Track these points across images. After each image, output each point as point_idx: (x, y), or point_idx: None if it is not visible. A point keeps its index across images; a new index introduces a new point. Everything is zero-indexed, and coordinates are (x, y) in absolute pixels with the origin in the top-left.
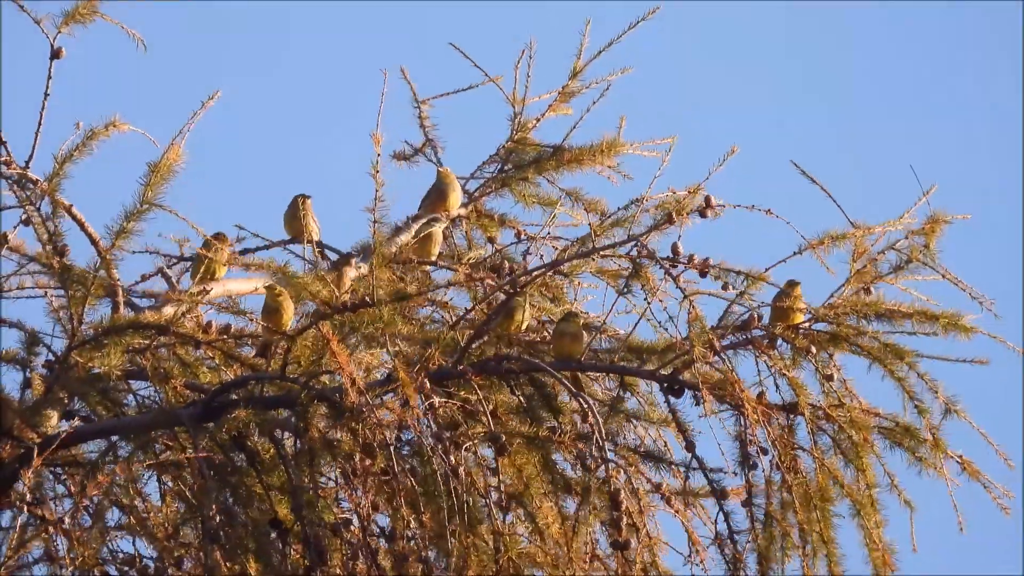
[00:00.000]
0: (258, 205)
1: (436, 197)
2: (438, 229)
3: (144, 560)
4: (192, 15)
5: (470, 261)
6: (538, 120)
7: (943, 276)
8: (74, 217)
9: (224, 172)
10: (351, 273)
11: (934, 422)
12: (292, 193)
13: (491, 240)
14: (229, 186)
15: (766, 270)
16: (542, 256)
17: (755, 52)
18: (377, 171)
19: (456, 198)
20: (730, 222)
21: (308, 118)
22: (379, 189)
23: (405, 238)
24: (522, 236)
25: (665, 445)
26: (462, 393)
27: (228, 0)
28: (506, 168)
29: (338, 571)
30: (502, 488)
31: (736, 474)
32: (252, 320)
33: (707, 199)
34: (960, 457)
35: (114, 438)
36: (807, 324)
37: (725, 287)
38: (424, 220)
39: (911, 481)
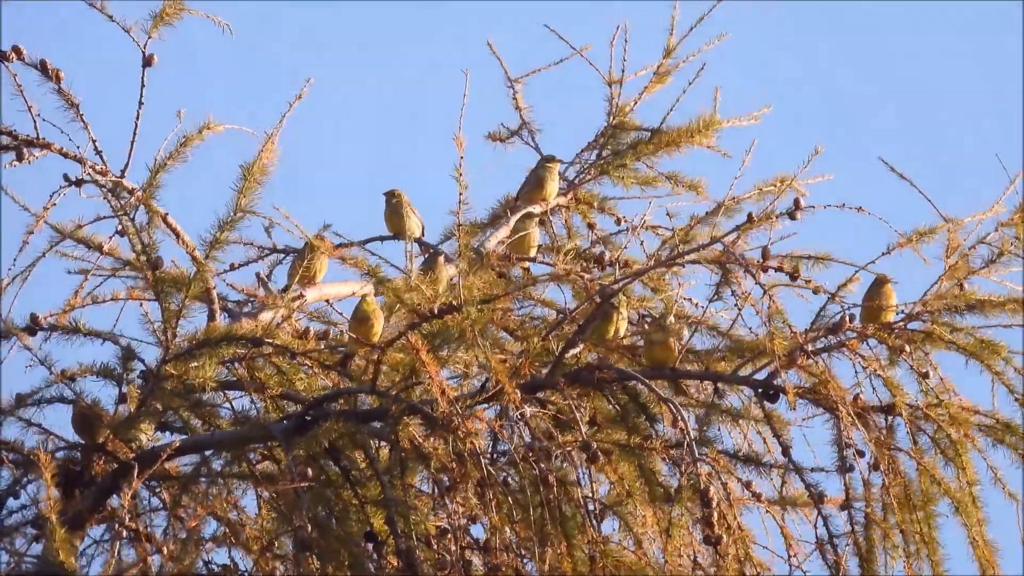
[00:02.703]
0: (354, 200)
1: (534, 186)
2: (535, 229)
3: (241, 572)
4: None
5: (567, 254)
6: (635, 102)
7: None
8: (169, 226)
9: (318, 167)
10: (450, 272)
11: None
12: (387, 186)
13: (591, 227)
14: (324, 181)
15: (858, 270)
16: (642, 243)
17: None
18: (460, 174)
19: (553, 187)
20: (816, 220)
21: (402, 105)
22: (463, 192)
23: (503, 232)
24: (622, 222)
25: (765, 446)
26: (556, 402)
27: None
28: (604, 154)
29: None
30: (594, 496)
31: (835, 471)
32: (341, 331)
33: (796, 201)
34: None
35: (208, 452)
36: (900, 323)
37: (816, 291)
38: (521, 213)
39: (1014, 479)
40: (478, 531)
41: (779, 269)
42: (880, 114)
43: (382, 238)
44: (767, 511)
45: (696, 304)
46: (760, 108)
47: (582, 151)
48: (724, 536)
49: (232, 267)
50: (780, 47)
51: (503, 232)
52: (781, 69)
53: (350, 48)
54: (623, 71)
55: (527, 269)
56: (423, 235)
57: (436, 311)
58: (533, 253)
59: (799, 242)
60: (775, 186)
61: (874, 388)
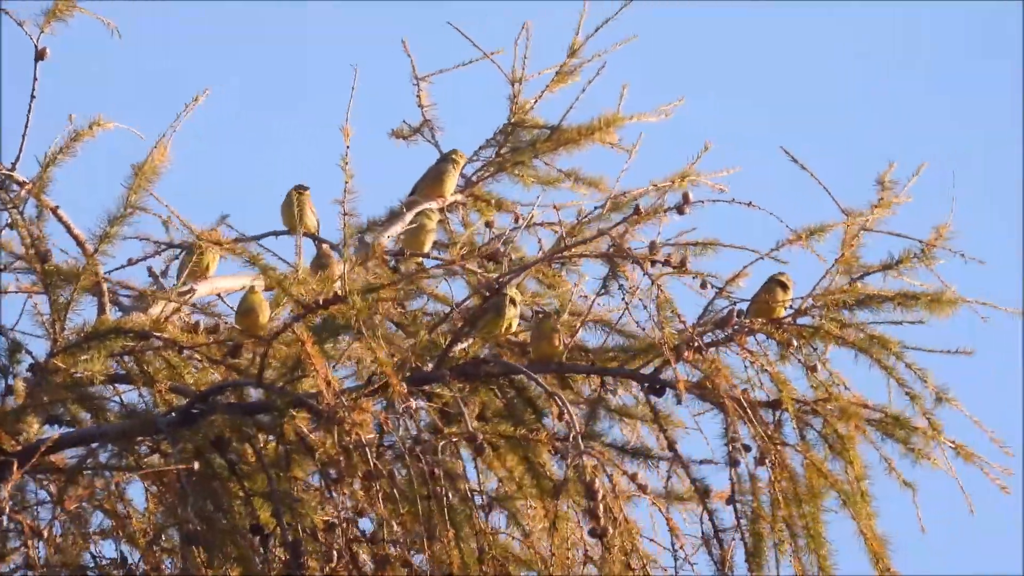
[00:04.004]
0: (256, 198)
1: (432, 181)
2: (431, 222)
3: (129, 564)
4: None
5: (461, 249)
6: (536, 100)
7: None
8: (60, 219)
9: (217, 165)
10: (342, 267)
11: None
12: (289, 183)
13: (488, 224)
14: (224, 180)
15: (746, 266)
16: (539, 240)
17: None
18: (347, 163)
19: (452, 184)
20: (722, 213)
21: (301, 101)
22: (348, 182)
23: (398, 228)
24: (520, 220)
25: (659, 439)
26: (443, 395)
27: None
28: (503, 152)
29: (319, 575)
30: (481, 489)
31: (722, 464)
32: (225, 323)
33: (684, 195)
34: (953, 442)
35: (94, 444)
36: (789, 318)
37: (704, 285)
38: (418, 209)
39: (908, 472)
40: (367, 525)
41: (666, 263)
42: (799, 110)
43: (276, 233)
44: (653, 503)
45: (587, 298)
46: (670, 103)
47: (481, 148)
48: (610, 528)
49: (130, 262)
50: (692, 48)
51: (397, 228)
52: (692, 71)
53: (270, 43)
54: (524, 69)
55: (420, 264)
56: (318, 231)
57: (321, 302)
58: (427, 249)
59: (696, 238)
60: (672, 182)
61: (761, 383)
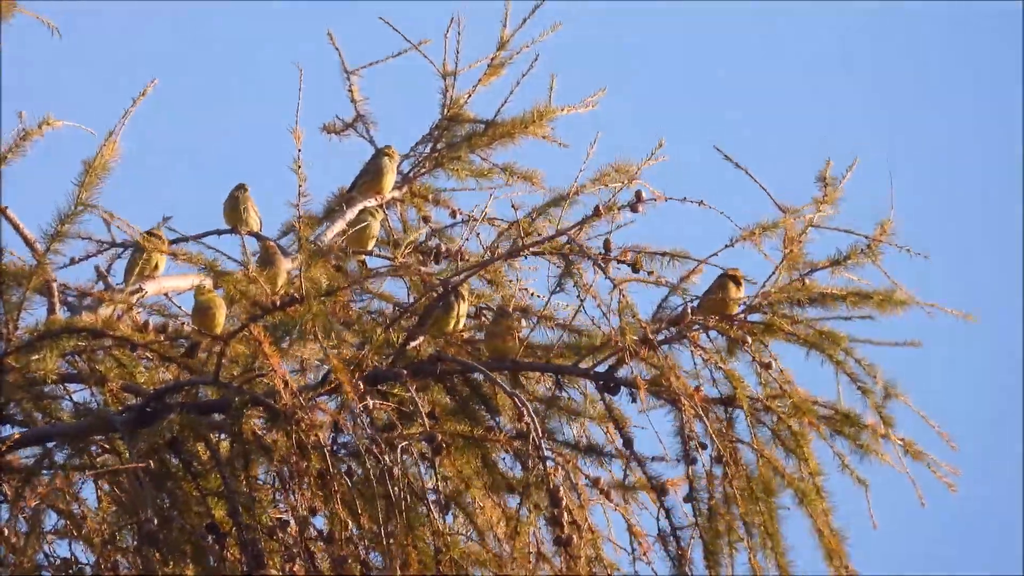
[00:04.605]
0: (198, 196)
1: (372, 177)
2: (374, 220)
3: (80, 564)
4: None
5: (406, 249)
6: (469, 95)
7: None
8: (9, 219)
9: (160, 163)
10: (287, 266)
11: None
12: (229, 181)
13: (425, 220)
14: (168, 178)
15: (700, 262)
16: (479, 235)
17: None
18: (300, 166)
19: (390, 180)
20: (671, 210)
21: (237, 97)
22: (302, 184)
23: (340, 226)
24: (457, 215)
25: (608, 439)
26: (398, 394)
27: None
28: (439, 147)
29: (275, 574)
30: (439, 488)
31: (677, 461)
32: (183, 323)
33: (637, 194)
34: (902, 439)
35: (49, 444)
36: (741, 314)
37: (658, 283)
38: (358, 207)
39: (861, 468)
40: (322, 523)
41: (621, 261)
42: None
43: (219, 232)
44: (615, 509)
45: (536, 296)
46: (595, 93)
47: (417, 144)
48: (574, 537)
49: (73, 261)
50: (625, 38)
51: (339, 225)
52: (624, 62)
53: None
54: (456, 63)
55: (363, 262)
56: (260, 229)
57: (278, 303)
58: (370, 247)
59: (651, 235)
60: (615, 174)
61: (715, 380)
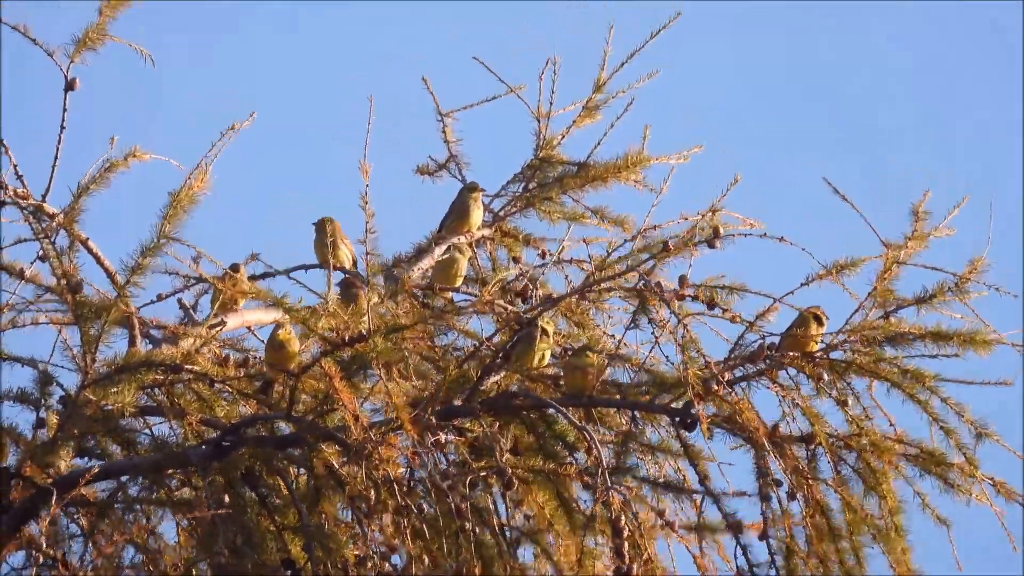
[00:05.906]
0: (286, 228)
1: (458, 216)
2: (462, 257)
3: None
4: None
5: (494, 287)
6: (563, 136)
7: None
8: (90, 251)
9: (251, 195)
10: (371, 300)
11: (963, 443)
12: (318, 214)
13: (515, 260)
14: (256, 211)
15: (776, 300)
16: (568, 277)
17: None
18: (367, 203)
19: (478, 218)
20: (754, 246)
21: (331, 131)
22: (369, 221)
23: (427, 263)
24: (546, 256)
25: (684, 478)
26: (474, 429)
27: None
28: (530, 187)
29: None
30: (511, 524)
31: (752, 498)
32: (255, 357)
33: (715, 229)
34: (992, 479)
35: (124, 478)
36: (821, 352)
37: (733, 320)
38: (446, 244)
39: (945, 507)
40: (398, 560)
41: (695, 298)
42: (827, 140)
43: (306, 267)
44: (681, 541)
45: (616, 339)
46: (691, 148)
47: (508, 183)
48: (635, 567)
49: (159, 297)
50: (720, 81)
51: (427, 263)
52: (717, 104)
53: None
54: (551, 105)
55: (450, 299)
56: (354, 266)
57: (347, 339)
58: (458, 283)
59: (728, 273)
60: (702, 216)
61: (794, 418)
